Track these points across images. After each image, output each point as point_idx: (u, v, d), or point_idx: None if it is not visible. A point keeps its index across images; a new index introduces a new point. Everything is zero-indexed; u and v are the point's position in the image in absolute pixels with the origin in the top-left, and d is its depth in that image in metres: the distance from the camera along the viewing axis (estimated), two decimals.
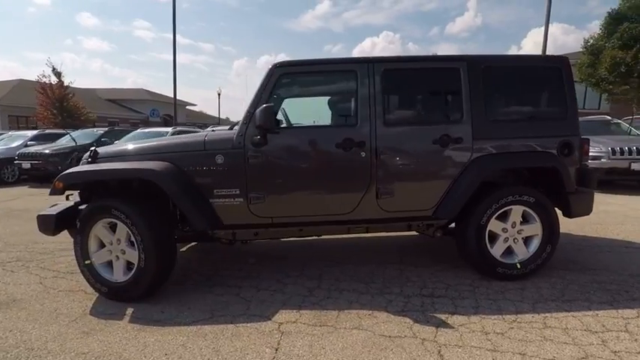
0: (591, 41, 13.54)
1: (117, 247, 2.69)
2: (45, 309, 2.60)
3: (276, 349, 2.07)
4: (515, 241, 2.95)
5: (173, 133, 9.92)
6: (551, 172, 2.90)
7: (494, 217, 2.87)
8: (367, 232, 3.15)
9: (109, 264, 2.77)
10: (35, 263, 3.54)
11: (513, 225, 2.92)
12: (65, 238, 3.00)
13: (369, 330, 2.26)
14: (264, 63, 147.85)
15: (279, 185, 2.81)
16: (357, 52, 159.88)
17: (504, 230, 2.92)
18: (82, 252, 2.74)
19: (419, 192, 2.90)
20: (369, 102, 2.80)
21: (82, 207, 2.87)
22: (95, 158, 2.84)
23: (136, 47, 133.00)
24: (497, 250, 2.92)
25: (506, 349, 2.04)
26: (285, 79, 2.83)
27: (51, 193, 2.67)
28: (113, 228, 2.74)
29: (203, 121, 31.55)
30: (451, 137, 2.84)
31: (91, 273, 2.74)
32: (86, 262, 2.74)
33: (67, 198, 3.15)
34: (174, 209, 3.00)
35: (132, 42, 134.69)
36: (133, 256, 2.64)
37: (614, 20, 12.58)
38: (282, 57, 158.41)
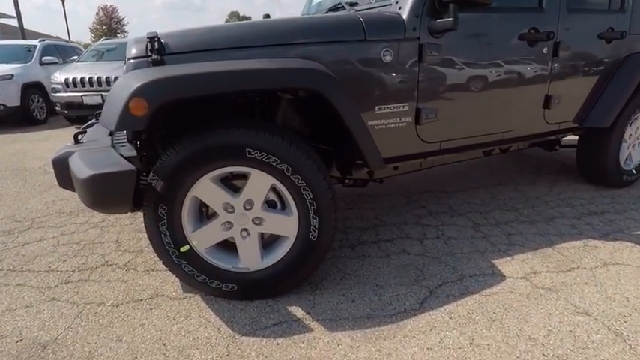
0: None
1: (244, 215, 1.53)
2: (136, 348, 1.38)
3: (586, 312, 1.51)
4: (633, 147, 2.87)
5: (44, 49, 6.94)
6: None
7: (629, 124, 2.69)
8: (504, 153, 2.67)
9: (223, 245, 1.61)
10: None
11: (636, 131, 2.82)
12: None
13: (619, 263, 1.86)
14: None
15: (454, 95, 1.97)
16: None
17: (630, 137, 2.80)
18: (171, 232, 1.49)
19: (578, 98, 2.45)
20: None
21: (129, 154, 1.52)
22: (162, 54, 1.44)
23: None
24: (622, 159, 2.81)
25: None
26: None
27: (119, 127, 1.24)
28: (228, 184, 1.54)
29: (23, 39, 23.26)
30: (615, 31, 2.39)
31: (195, 266, 1.55)
32: (182, 248, 1.52)
33: (76, 139, 1.66)
34: None
35: None
36: (283, 224, 1.55)
37: None
38: None
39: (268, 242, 1.64)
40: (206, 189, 1.48)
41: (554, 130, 2.46)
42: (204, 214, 1.61)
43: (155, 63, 1.42)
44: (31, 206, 2.79)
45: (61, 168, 1.49)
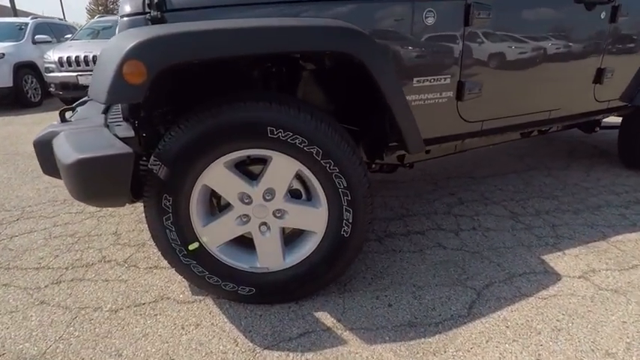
0: None
1: (263, 207, 1.30)
2: None
3: None
4: None
5: (36, 26, 6.59)
6: None
7: None
8: (542, 135, 2.41)
9: (238, 242, 1.38)
10: None
11: None
12: None
13: None
14: None
15: (500, 66, 1.70)
16: None
17: None
18: (177, 228, 1.26)
19: (630, 72, 2.19)
20: None
21: (126, 134, 1.26)
22: (163, 11, 1.17)
23: None
24: None
25: None
26: None
27: (110, 98, 0.99)
28: (244, 169, 1.30)
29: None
30: None
31: (206, 266, 1.32)
32: (191, 246, 1.29)
33: (63, 117, 1.40)
34: None
35: None
36: (310, 217, 1.32)
37: None
38: None
39: (291, 238, 1.41)
40: (219, 176, 1.24)
41: (602, 109, 2.20)
42: (215, 206, 1.38)
43: (154, 21, 1.16)
44: (22, 194, 2.56)
45: (45, 151, 1.24)
